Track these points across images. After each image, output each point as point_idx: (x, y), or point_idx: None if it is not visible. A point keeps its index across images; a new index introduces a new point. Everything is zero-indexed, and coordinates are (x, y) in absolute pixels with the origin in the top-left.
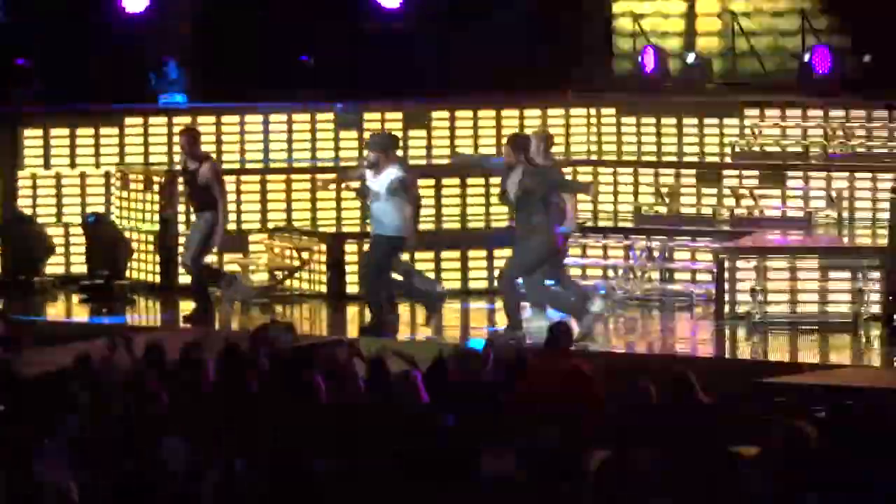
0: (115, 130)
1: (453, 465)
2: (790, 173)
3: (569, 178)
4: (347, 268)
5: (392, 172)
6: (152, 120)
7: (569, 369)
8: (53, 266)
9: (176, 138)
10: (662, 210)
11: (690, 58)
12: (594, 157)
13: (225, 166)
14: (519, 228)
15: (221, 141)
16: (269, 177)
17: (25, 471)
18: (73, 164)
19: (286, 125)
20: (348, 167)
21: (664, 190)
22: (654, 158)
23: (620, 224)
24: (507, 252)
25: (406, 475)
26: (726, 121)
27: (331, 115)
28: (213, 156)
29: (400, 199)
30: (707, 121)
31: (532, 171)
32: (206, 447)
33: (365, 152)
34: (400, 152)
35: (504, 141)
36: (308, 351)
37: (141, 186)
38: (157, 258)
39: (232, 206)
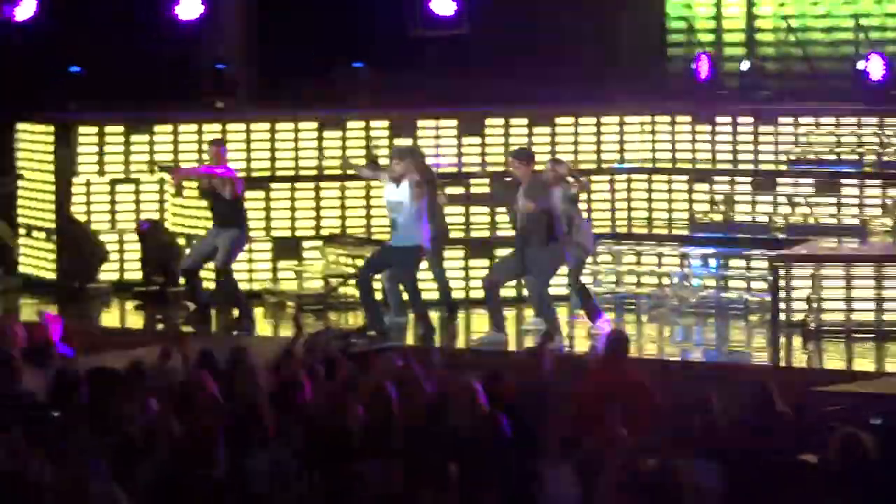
0: (170, 137)
1: (512, 482)
2: (844, 181)
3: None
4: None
5: (409, 179)
6: (206, 127)
7: (627, 379)
8: (107, 273)
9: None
10: (717, 218)
11: (745, 65)
12: (648, 165)
13: (279, 173)
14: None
15: (275, 148)
16: (322, 184)
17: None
18: (126, 171)
19: (340, 132)
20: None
21: (719, 198)
22: (708, 166)
23: (675, 232)
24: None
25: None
26: (781, 129)
27: (385, 122)
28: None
29: (419, 208)
30: (762, 128)
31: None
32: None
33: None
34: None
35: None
36: (364, 357)
37: (195, 193)
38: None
39: (287, 213)
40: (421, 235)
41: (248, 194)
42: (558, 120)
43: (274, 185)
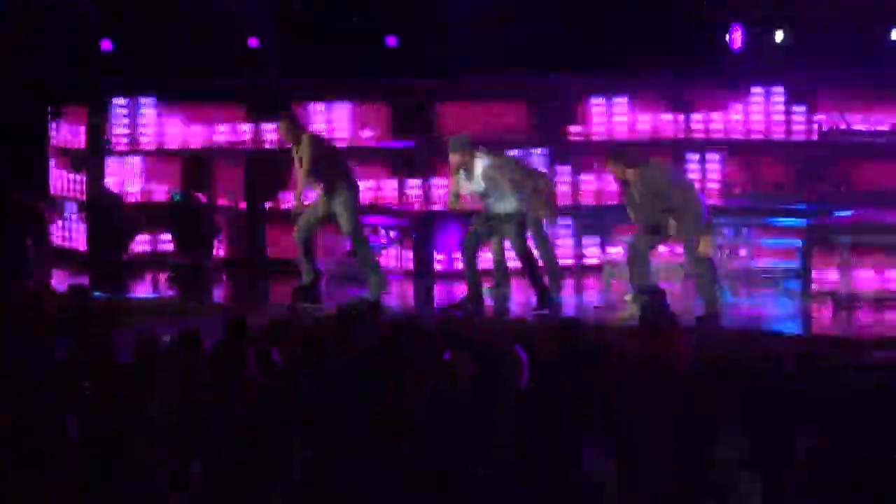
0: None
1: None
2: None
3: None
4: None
5: (479, 165)
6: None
7: (664, 347)
8: (141, 244)
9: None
10: (749, 189)
11: (779, 36)
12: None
13: None
14: None
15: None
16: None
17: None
18: (160, 143)
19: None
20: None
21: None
22: (741, 137)
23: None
24: None
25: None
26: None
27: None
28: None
29: (501, 183)
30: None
31: None
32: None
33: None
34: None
35: None
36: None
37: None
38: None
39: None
40: (515, 205)
41: None
42: (616, 100)
43: None
